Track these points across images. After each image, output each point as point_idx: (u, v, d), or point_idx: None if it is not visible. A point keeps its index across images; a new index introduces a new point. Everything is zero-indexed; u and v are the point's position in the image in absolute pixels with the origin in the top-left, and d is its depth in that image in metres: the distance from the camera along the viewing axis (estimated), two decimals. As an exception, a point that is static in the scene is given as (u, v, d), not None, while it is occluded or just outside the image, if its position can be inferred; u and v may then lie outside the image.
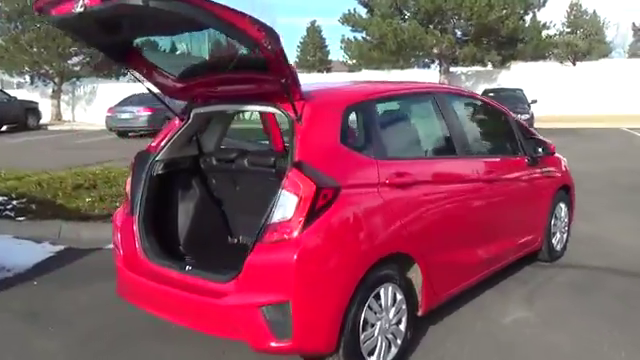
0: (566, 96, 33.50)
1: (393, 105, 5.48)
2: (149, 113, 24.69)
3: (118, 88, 33.98)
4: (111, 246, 5.27)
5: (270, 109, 4.72)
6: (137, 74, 4.96)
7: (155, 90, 5.12)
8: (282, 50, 4.00)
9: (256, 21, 3.81)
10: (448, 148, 5.41)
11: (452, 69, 35.02)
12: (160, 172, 5.17)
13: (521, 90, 27.49)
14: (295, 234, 4.02)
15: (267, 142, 6.58)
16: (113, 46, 4.65)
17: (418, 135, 5.38)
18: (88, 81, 39.33)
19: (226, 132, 5.81)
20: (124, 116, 25.73)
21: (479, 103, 6.53)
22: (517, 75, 34.40)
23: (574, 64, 44.56)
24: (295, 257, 3.98)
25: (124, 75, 33.15)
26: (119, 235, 5.02)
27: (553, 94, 32.71)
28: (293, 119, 4.36)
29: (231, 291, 4.18)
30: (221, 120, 5.64)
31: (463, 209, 5.30)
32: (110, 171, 11.53)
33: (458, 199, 5.24)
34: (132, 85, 29.00)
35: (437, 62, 34.69)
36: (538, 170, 6.46)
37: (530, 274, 6.52)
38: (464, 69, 36.03)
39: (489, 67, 35.08)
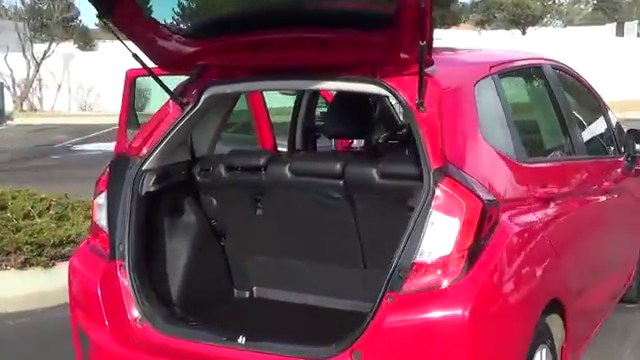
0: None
1: (519, 82, 3.94)
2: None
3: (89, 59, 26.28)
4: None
5: (370, 88, 3.04)
6: (124, 33, 3.11)
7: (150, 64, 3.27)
8: None
9: None
10: (570, 146, 3.93)
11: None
12: (151, 189, 3.27)
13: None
14: (458, 277, 2.59)
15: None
16: None
17: (546, 126, 3.88)
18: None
19: (222, 129, 3.96)
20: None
21: (577, 80, 4.63)
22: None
23: (524, 33, 36.17)
24: (466, 314, 2.54)
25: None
26: (99, 292, 3.08)
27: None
28: (409, 105, 2.83)
29: None
30: (219, 111, 3.74)
31: (595, 230, 3.85)
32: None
33: (590, 217, 3.79)
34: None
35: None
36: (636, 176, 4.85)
37: (623, 322, 5.02)
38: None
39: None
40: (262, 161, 3.40)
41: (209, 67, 3.30)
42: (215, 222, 3.64)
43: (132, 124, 5.29)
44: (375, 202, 3.21)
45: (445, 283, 2.57)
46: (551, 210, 3.22)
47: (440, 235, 2.60)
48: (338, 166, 3.21)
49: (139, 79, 5.23)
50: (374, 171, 3.14)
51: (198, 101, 3.28)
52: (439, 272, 2.58)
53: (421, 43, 2.59)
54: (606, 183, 4.26)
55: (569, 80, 4.42)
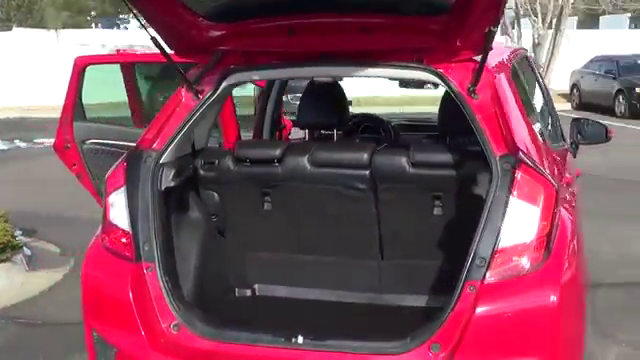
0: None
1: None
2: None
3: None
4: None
5: (418, 75, 2.98)
6: (144, 14, 2.83)
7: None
8: None
9: None
10: (544, 134, 3.85)
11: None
12: (171, 184, 3.04)
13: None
14: (540, 263, 2.58)
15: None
16: None
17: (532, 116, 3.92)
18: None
19: (216, 120, 3.76)
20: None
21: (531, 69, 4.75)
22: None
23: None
24: (555, 299, 2.54)
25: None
26: (131, 296, 2.79)
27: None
28: (460, 92, 2.82)
29: None
30: (220, 101, 3.51)
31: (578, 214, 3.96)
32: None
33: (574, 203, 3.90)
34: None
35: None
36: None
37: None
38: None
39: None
40: (278, 152, 3.22)
41: (231, 53, 3.10)
42: (218, 218, 3.45)
43: (79, 117, 4.88)
44: (401, 192, 3.15)
45: (529, 269, 2.55)
46: (568, 194, 3.29)
47: (521, 222, 2.57)
48: (365, 156, 3.13)
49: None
50: (404, 160, 3.09)
51: (217, 89, 3.08)
52: (521, 259, 2.55)
53: (492, 29, 2.56)
54: (566, 170, 4.46)
55: (529, 70, 4.57)
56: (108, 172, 3.06)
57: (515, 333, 2.52)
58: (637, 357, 4.26)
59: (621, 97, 18.47)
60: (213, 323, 2.82)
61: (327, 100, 3.84)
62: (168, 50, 3.01)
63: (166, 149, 3.01)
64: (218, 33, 3.00)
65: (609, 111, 18.06)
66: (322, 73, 3.28)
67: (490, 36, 2.59)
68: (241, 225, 3.48)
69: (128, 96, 5.45)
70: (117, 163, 3.05)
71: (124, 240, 2.90)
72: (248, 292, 3.54)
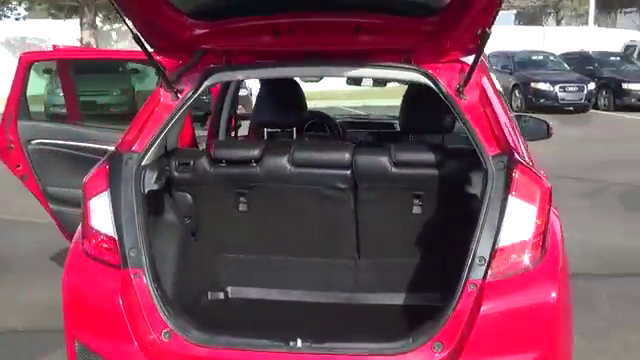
0: None
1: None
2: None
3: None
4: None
5: (409, 76, 2.98)
6: (124, 10, 2.72)
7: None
8: None
9: None
10: None
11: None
12: (154, 187, 2.97)
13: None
14: (537, 260, 2.64)
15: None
16: None
17: None
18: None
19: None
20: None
21: None
22: None
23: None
24: (554, 295, 2.61)
25: None
26: (121, 304, 2.67)
27: None
28: (449, 92, 2.86)
29: None
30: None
31: None
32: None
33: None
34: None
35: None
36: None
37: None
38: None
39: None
40: (257, 152, 3.16)
41: (211, 52, 3.02)
42: (191, 220, 3.36)
43: (24, 115, 4.64)
44: (381, 191, 3.16)
45: (528, 267, 2.59)
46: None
47: (519, 221, 2.61)
48: (347, 156, 3.12)
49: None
50: (386, 160, 3.09)
51: (198, 89, 3.00)
52: (521, 257, 2.59)
53: (488, 30, 2.59)
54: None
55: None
56: (87, 176, 2.92)
57: (516, 330, 2.56)
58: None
59: (517, 91, 19.55)
60: (207, 329, 2.74)
61: (285, 98, 3.78)
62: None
63: (147, 151, 2.91)
64: (201, 31, 2.93)
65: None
66: (307, 73, 3.26)
67: (485, 38, 2.62)
68: (215, 227, 3.41)
69: (64, 91, 5.31)
70: (96, 166, 2.92)
71: (106, 246, 2.78)
72: (221, 295, 3.46)
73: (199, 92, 3.02)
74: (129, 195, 2.79)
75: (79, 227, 2.95)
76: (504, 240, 2.59)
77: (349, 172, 3.13)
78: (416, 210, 3.19)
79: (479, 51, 2.72)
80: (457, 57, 2.91)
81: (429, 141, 3.44)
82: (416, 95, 3.50)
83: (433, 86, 2.90)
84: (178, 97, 2.99)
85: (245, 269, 3.46)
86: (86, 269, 2.82)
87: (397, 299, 3.32)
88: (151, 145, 2.92)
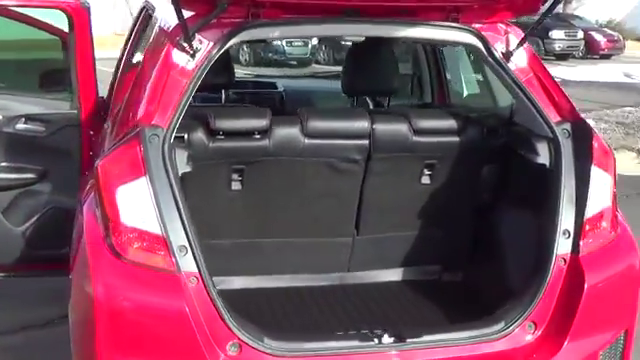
0: None
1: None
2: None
3: None
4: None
5: (458, 37, 2.77)
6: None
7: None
8: None
9: None
10: None
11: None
12: (187, 169, 2.52)
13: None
14: (617, 229, 2.64)
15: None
16: None
17: None
18: None
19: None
20: None
21: None
22: None
23: None
24: (638, 262, 2.62)
25: None
26: (190, 317, 2.26)
27: None
28: (498, 56, 2.72)
29: (532, 345, 2.49)
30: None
31: None
32: None
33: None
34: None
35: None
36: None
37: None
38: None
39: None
40: (265, 122, 2.73)
41: (237, 3, 2.51)
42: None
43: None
44: (395, 161, 2.92)
45: (611, 237, 2.57)
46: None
47: (601, 190, 2.57)
48: (366, 124, 2.81)
49: None
50: (406, 127, 2.84)
51: (222, 48, 2.54)
52: (606, 227, 2.57)
53: None
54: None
55: None
56: (104, 158, 2.42)
57: (611, 303, 2.53)
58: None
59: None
60: (281, 336, 2.41)
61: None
62: None
63: (174, 126, 2.41)
64: None
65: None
66: (347, 32, 2.90)
67: None
68: (207, 209, 2.86)
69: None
70: (118, 145, 2.42)
71: (149, 246, 2.31)
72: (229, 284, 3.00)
73: (222, 52, 2.55)
74: (165, 181, 2.32)
75: (86, 223, 2.46)
76: (590, 211, 2.54)
77: (367, 142, 2.82)
78: (425, 180, 3.00)
79: (549, 10, 2.57)
80: (506, 18, 2.75)
81: (445, 108, 3.35)
82: (361, 54, 3.33)
83: (483, 49, 2.71)
84: (195, 58, 2.50)
85: (238, 255, 3.03)
86: (127, 277, 2.31)
87: (412, 274, 3.19)
88: (177, 119, 2.43)
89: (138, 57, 3.57)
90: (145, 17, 3.63)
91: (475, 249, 3.14)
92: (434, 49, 4.04)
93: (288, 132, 2.76)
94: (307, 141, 2.77)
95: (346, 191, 2.96)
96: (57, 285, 3.03)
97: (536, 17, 2.75)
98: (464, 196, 3.05)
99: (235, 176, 2.83)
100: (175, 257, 2.28)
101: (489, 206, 3.07)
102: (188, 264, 2.29)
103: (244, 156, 2.78)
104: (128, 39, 4.17)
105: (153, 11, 3.26)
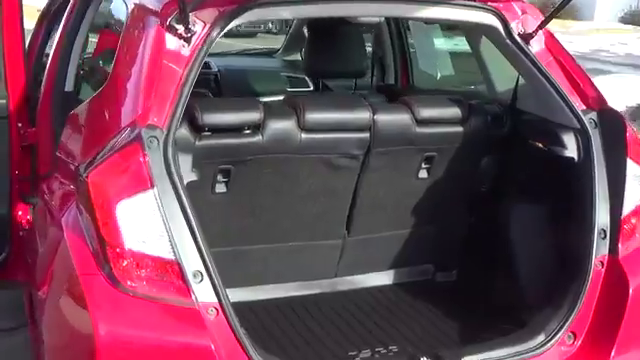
0: None
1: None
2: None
3: None
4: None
5: (478, 17, 2.58)
6: None
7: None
8: None
9: None
10: None
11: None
12: (193, 177, 2.27)
13: None
14: None
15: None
16: None
17: None
18: None
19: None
20: None
21: None
22: None
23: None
24: None
25: None
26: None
27: None
28: (516, 38, 2.58)
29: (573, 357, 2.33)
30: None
31: None
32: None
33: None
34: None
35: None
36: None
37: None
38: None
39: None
40: (257, 115, 2.42)
41: None
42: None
43: None
44: (393, 155, 2.70)
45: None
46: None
47: (636, 185, 2.41)
48: (368, 115, 2.56)
49: None
50: (409, 117, 2.62)
51: (222, 29, 2.23)
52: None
53: None
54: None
55: None
56: (96, 168, 2.03)
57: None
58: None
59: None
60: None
61: None
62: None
63: (174, 126, 2.08)
64: None
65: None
66: (361, 11, 2.60)
67: None
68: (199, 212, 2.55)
69: None
70: (113, 151, 2.05)
71: (158, 274, 1.98)
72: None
73: (222, 34, 2.23)
74: (171, 193, 1.99)
75: (72, 248, 2.09)
76: (626, 208, 2.38)
77: (367, 135, 2.58)
78: (422, 174, 2.80)
79: None
80: None
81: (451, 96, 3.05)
82: (326, 34, 3.09)
83: (502, 30, 2.55)
84: (190, 42, 2.17)
85: (220, 265, 2.67)
86: (134, 314, 1.96)
87: (403, 275, 3.01)
88: (177, 117, 2.10)
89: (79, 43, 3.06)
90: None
91: (471, 247, 2.96)
92: (399, 29, 3.85)
93: (283, 126, 2.46)
94: (304, 136, 2.48)
95: (340, 189, 2.70)
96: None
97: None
98: (461, 190, 2.88)
99: (220, 177, 2.49)
100: (190, 285, 1.97)
101: (489, 201, 2.89)
102: (206, 293, 1.99)
103: (233, 155, 2.45)
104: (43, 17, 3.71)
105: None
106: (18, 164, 2.99)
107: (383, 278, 2.97)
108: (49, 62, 3.13)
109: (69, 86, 3.07)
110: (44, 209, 2.65)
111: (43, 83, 3.08)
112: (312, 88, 3.87)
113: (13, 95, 2.97)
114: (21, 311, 3.09)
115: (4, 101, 2.95)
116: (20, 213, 2.92)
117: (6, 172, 2.97)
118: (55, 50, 3.11)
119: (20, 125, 3.01)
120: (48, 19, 3.71)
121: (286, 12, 2.47)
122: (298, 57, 4.47)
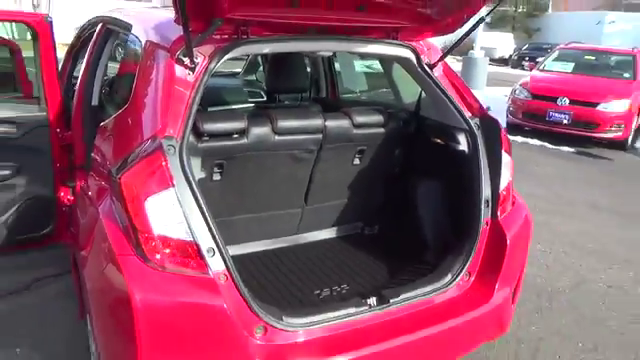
0: None
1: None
2: None
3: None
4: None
5: (401, 52, 3.39)
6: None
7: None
8: None
9: None
10: None
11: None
12: (202, 174, 3.18)
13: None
14: (512, 200, 3.44)
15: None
16: None
17: None
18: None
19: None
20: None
21: None
22: None
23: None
24: (528, 222, 3.47)
25: None
26: (227, 310, 2.52)
27: None
28: (424, 66, 3.42)
29: (485, 289, 3.19)
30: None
31: None
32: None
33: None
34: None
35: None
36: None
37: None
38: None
39: None
40: (243, 125, 3.22)
41: (229, 21, 2.80)
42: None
43: None
44: (337, 149, 3.61)
45: (512, 204, 3.34)
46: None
47: (506, 169, 3.27)
48: (321, 122, 3.46)
49: None
50: (348, 122, 3.54)
51: (219, 61, 2.85)
52: (510, 197, 3.31)
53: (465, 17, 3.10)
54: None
55: None
56: (127, 171, 2.55)
57: (516, 255, 3.26)
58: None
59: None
60: (295, 312, 2.80)
61: None
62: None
63: (187, 136, 2.65)
64: None
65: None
66: (325, 48, 3.36)
67: (478, 23, 3.16)
68: None
69: None
70: (140, 157, 2.57)
71: (182, 253, 2.50)
72: None
73: (219, 64, 2.87)
74: (187, 189, 2.55)
75: (110, 234, 2.59)
76: (502, 187, 3.24)
77: (320, 136, 3.49)
78: (356, 162, 3.77)
79: (467, 33, 3.24)
80: (430, 36, 3.39)
81: (375, 107, 3.93)
82: (282, 62, 3.96)
83: (415, 60, 3.37)
84: (194, 71, 2.76)
85: (224, 230, 3.29)
86: (162, 284, 2.46)
87: (342, 231, 4.04)
88: (188, 129, 2.67)
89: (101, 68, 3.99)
90: (104, 32, 3.97)
91: (387, 210, 3.98)
92: (329, 56, 4.86)
93: (262, 131, 3.29)
94: (277, 138, 3.34)
95: (301, 174, 3.62)
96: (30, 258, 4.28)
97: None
98: (382, 172, 3.87)
99: (216, 169, 3.31)
100: (205, 259, 2.51)
101: (400, 178, 3.90)
102: (217, 264, 2.54)
103: (226, 153, 3.26)
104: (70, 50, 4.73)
105: (127, 28, 3.47)
106: (59, 158, 3.83)
107: (330, 233, 4.03)
108: (78, 83, 4.00)
109: (95, 101, 3.92)
110: (83, 192, 3.32)
111: (75, 99, 3.95)
112: (265, 99, 4.94)
113: (52, 109, 3.85)
114: (61, 263, 4.20)
115: (45, 114, 3.82)
116: (62, 194, 3.59)
117: (50, 165, 3.83)
118: (83, 73, 3.97)
119: (58, 130, 3.85)
120: (75, 51, 4.73)
121: (267, 48, 3.06)
122: (254, 77, 5.94)
